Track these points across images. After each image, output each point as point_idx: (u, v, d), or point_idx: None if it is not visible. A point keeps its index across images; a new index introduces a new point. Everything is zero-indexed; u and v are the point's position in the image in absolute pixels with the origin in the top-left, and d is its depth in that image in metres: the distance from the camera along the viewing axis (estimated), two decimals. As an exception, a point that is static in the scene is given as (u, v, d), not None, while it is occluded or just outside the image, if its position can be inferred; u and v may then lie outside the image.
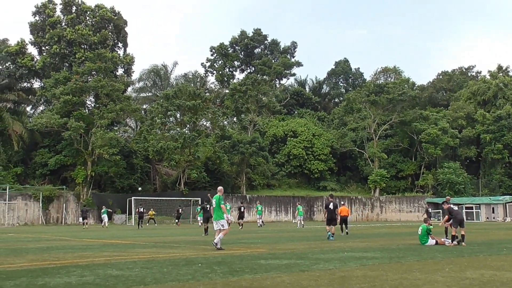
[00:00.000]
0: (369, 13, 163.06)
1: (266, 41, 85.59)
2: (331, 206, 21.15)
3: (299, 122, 69.38)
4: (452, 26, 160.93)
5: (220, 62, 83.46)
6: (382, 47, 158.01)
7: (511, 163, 62.58)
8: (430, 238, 16.62)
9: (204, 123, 63.60)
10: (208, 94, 68.25)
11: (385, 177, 62.56)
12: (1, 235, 27.06)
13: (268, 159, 59.68)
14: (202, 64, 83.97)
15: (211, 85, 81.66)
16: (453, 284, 8.03)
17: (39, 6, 60.72)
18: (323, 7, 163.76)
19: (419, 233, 16.88)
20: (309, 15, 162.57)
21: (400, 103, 64.00)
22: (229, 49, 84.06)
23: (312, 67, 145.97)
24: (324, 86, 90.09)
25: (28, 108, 64.38)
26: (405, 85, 68.83)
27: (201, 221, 32.28)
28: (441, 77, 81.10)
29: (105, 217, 40.96)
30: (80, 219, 42.51)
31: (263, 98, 64.41)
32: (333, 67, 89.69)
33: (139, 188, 53.28)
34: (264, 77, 72.58)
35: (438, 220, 42.79)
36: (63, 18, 61.22)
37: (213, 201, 15.13)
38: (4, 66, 60.47)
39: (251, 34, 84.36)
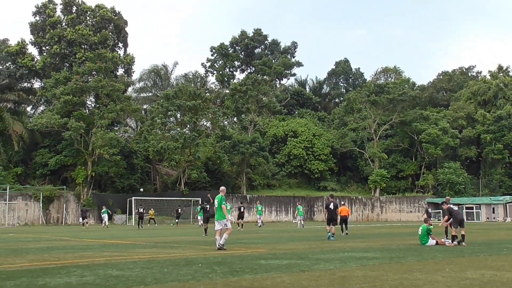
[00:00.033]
0: (369, 13, 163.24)
1: (266, 41, 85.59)
2: (331, 206, 21.16)
3: (300, 122, 69.39)
4: (452, 26, 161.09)
5: (220, 62, 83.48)
6: (382, 47, 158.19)
7: (511, 163, 62.66)
8: (430, 238, 16.62)
9: (205, 123, 63.61)
10: (208, 94, 68.26)
11: (385, 177, 62.55)
12: (1, 235, 27.07)
13: (269, 159, 59.69)
14: (202, 64, 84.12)
15: (211, 85, 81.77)
16: (454, 284, 8.03)
17: (39, 6, 60.74)
18: (323, 7, 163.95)
19: (419, 233, 16.88)
20: (309, 15, 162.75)
21: (400, 103, 64.00)
22: (229, 49, 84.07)
23: (312, 67, 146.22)
24: (325, 86, 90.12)
25: (28, 108, 64.45)
26: (406, 85, 68.81)
27: (201, 221, 32.28)
28: (441, 77, 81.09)
29: (105, 216, 41.02)
30: (80, 219, 42.55)
31: (264, 98, 64.41)
32: (334, 67, 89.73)
33: (141, 190, 53.29)
34: (265, 77, 72.57)
35: (438, 220, 42.79)
36: (63, 18, 61.23)
37: (215, 201, 15.11)
38: (5, 66, 60.50)
39: (251, 34, 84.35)
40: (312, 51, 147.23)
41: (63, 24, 60.73)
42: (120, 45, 65.25)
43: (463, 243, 16.17)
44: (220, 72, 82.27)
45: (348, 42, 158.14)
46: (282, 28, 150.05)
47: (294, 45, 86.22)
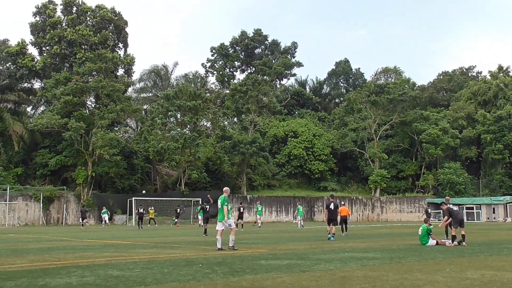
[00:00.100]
0: (369, 13, 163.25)
1: (266, 42, 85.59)
2: (332, 206, 21.18)
3: (300, 123, 69.39)
4: (452, 26, 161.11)
5: (220, 62, 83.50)
6: (382, 47, 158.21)
7: (511, 163, 62.65)
8: (430, 238, 16.63)
9: (205, 124, 63.62)
10: (208, 94, 68.27)
11: (385, 177, 62.54)
12: (1, 235, 27.08)
13: (269, 159, 59.68)
14: (202, 64, 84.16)
15: (211, 86, 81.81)
16: (454, 284, 8.04)
17: (39, 6, 60.73)
18: (323, 7, 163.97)
19: (420, 233, 16.88)
20: (309, 15, 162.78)
21: (400, 103, 63.99)
22: (229, 49, 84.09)
23: (312, 68, 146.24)
24: (325, 87, 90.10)
25: (28, 109, 64.43)
26: (406, 85, 68.78)
27: (202, 221, 32.28)
28: (441, 77, 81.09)
29: (105, 216, 41.03)
30: (80, 219, 42.57)
31: (264, 99, 64.41)
32: (334, 67, 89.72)
33: (143, 191, 53.28)
34: (265, 77, 72.57)
35: (438, 220, 42.79)
36: (63, 19, 61.23)
37: (218, 202, 15.04)
38: (5, 66, 60.48)
39: (251, 35, 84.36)
40: (312, 51, 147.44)
41: (63, 24, 60.72)
42: (120, 45, 65.27)
43: (464, 243, 16.17)
44: (220, 72, 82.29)
45: (348, 42, 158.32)
46: (282, 28, 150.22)
47: (294, 45, 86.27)
